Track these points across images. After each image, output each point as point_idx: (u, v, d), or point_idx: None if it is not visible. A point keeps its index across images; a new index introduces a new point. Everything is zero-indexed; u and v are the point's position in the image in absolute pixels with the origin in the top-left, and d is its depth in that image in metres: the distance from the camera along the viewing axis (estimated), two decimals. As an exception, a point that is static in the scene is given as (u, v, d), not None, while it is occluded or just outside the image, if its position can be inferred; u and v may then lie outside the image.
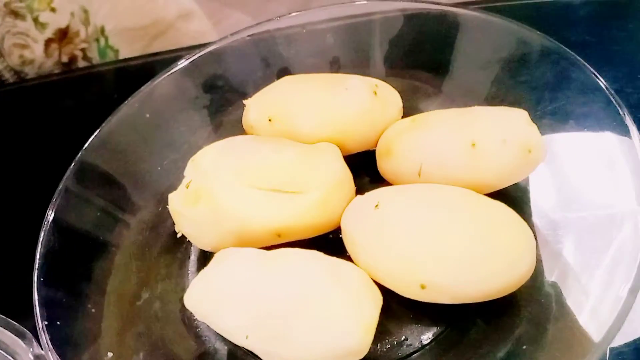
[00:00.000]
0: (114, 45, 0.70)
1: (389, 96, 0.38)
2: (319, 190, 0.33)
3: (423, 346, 0.31)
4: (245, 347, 0.30)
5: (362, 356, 0.29)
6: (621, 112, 0.32)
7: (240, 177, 0.33)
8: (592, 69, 0.34)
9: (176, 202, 0.35)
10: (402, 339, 0.32)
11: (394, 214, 0.31)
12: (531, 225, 0.32)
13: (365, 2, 0.42)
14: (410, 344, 0.31)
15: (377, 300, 0.30)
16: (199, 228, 0.35)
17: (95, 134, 0.39)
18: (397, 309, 0.32)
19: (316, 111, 0.37)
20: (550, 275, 0.32)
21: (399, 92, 0.39)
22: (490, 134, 0.33)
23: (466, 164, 0.33)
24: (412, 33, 0.42)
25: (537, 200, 0.35)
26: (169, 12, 0.73)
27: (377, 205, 0.31)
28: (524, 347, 0.29)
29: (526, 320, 0.31)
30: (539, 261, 0.31)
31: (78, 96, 0.56)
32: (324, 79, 0.39)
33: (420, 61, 0.42)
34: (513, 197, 0.35)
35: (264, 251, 0.31)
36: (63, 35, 0.64)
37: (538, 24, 0.37)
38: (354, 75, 0.39)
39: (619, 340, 0.32)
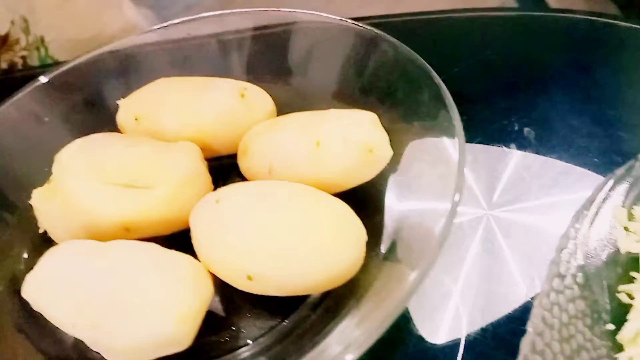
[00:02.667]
0: (54, 55, 0.71)
1: (257, 100, 0.39)
2: (168, 186, 0.34)
3: (256, 338, 0.32)
4: (75, 336, 0.30)
5: (183, 346, 0.29)
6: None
7: (92, 172, 0.34)
8: (437, 78, 0.34)
9: (36, 198, 0.35)
10: (239, 331, 0.32)
11: (230, 208, 0.32)
12: (380, 223, 0.33)
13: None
14: (246, 336, 0.32)
15: (205, 291, 0.30)
16: (53, 223, 0.35)
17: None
18: (240, 302, 0.33)
19: (181, 111, 0.38)
20: (391, 271, 0.32)
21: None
22: (333, 134, 0.34)
23: (311, 163, 0.34)
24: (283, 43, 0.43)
25: (390, 200, 0.36)
26: (113, 25, 0.74)
27: (217, 200, 0.32)
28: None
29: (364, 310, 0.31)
30: (385, 257, 0.32)
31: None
32: (196, 81, 0.40)
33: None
34: (369, 195, 0.36)
35: (101, 242, 0.31)
36: (2, 42, 0.65)
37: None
38: (228, 79, 0.40)
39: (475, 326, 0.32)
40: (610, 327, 0.29)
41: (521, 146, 0.40)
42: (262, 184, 0.33)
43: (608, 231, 0.31)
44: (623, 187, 0.32)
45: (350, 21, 0.40)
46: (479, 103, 0.43)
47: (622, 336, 0.28)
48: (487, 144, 0.40)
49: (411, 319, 0.33)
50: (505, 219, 0.36)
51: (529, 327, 0.27)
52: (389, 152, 0.34)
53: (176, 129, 0.38)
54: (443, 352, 0.31)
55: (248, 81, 0.40)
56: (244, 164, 0.37)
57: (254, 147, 0.36)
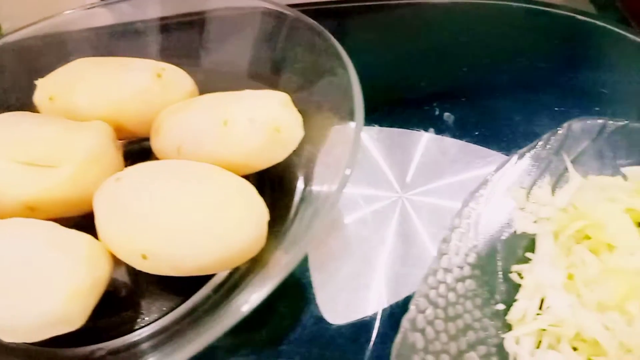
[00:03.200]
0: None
1: (176, 80, 0.39)
2: (72, 165, 0.33)
3: (156, 319, 0.31)
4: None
5: (75, 325, 0.29)
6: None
7: (-1, 150, 0.33)
8: (348, 63, 0.34)
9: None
10: (139, 312, 0.32)
11: (129, 187, 0.31)
12: (288, 204, 0.33)
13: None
14: (145, 317, 0.32)
15: (99, 270, 0.30)
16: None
17: None
18: (144, 283, 0.33)
19: (94, 90, 0.37)
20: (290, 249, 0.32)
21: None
22: (240, 114, 0.33)
23: (219, 142, 0.33)
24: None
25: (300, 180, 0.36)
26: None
27: (118, 179, 0.32)
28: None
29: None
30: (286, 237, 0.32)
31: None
32: (114, 62, 0.40)
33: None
34: (282, 176, 0.36)
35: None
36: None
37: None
38: (146, 59, 0.40)
39: (391, 300, 0.32)
40: (501, 307, 0.29)
41: (439, 130, 0.40)
42: (165, 163, 0.33)
43: (506, 211, 0.31)
44: (523, 167, 0.32)
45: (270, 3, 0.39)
46: (404, 88, 0.43)
47: (511, 316, 0.28)
48: (408, 129, 0.40)
49: (314, 300, 0.33)
50: (417, 201, 0.36)
51: (412, 305, 0.27)
52: (298, 133, 0.34)
53: (89, 108, 0.37)
54: (340, 331, 0.31)
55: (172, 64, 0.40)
56: (155, 144, 0.36)
57: (164, 126, 0.36)
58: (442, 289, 0.28)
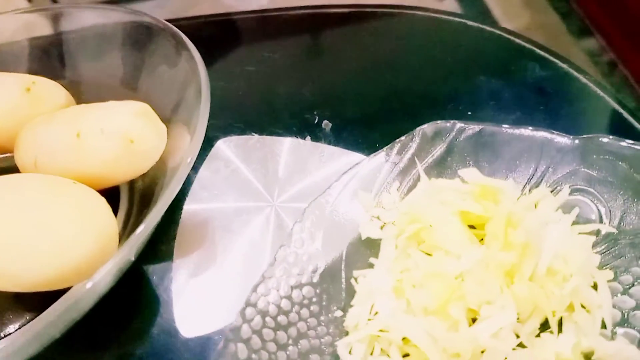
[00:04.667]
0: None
1: (46, 93, 0.38)
2: None
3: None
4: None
5: None
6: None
7: None
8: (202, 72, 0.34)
9: None
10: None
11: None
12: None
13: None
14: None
15: None
16: None
17: None
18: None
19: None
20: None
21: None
22: (92, 125, 0.33)
23: (73, 155, 0.33)
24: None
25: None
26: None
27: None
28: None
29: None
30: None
31: None
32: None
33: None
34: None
35: None
36: None
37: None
38: (15, 73, 0.39)
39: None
40: (339, 314, 0.28)
41: (316, 137, 0.39)
42: (12, 177, 0.32)
43: (353, 216, 0.31)
44: (372, 172, 0.32)
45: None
46: (286, 96, 0.43)
47: (347, 323, 0.28)
48: (287, 136, 0.40)
49: (170, 313, 0.32)
50: (289, 207, 0.36)
51: (238, 314, 0.27)
52: (156, 144, 0.34)
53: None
54: (189, 345, 0.31)
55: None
56: (16, 158, 0.36)
57: (23, 140, 0.35)
58: (273, 296, 0.27)
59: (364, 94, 0.42)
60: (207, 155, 0.40)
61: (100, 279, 0.26)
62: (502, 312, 0.25)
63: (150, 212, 0.28)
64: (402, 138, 0.33)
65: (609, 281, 0.28)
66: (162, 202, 0.29)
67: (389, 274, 0.28)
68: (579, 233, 0.28)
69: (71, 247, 0.29)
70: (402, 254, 0.29)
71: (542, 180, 0.31)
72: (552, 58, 0.42)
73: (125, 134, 0.33)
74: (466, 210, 0.28)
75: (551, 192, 0.31)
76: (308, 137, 0.40)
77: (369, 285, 0.28)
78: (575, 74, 0.41)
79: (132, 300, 0.33)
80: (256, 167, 0.39)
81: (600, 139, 0.31)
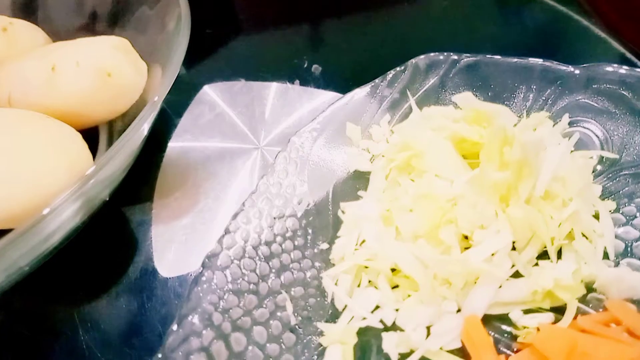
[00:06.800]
0: None
1: (24, 34, 0.37)
2: None
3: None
4: None
5: None
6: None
7: None
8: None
9: None
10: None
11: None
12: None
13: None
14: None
15: None
16: None
17: None
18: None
19: None
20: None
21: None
22: (68, 58, 0.31)
23: (47, 89, 0.31)
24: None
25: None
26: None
27: None
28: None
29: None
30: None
31: None
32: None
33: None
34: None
35: None
36: None
37: None
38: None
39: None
40: (325, 246, 0.27)
41: (305, 82, 0.38)
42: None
43: (341, 148, 0.29)
44: (361, 105, 0.30)
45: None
46: (278, 42, 0.41)
47: (333, 255, 0.26)
48: (275, 81, 0.38)
49: (150, 252, 0.31)
50: (276, 150, 0.34)
51: (217, 242, 0.25)
52: (134, 79, 0.32)
53: None
54: (167, 284, 0.29)
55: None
56: (-8, 97, 0.34)
57: (-2, 77, 0.33)
58: (254, 225, 0.26)
59: (356, 39, 0.41)
60: (192, 101, 0.38)
61: (59, 207, 0.24)
62: (497, 236, 0.23)
63: (114, 145, 0.27)
64: (394, 70, 0.31)
65: (611, 212, 0.26)
66: (128, 134, 0.27)
67: (378, 204, 0.26)
68: (580, 158, 0.27)
69: (44, 178, 0.27)
70: (391, 184, 0.27)
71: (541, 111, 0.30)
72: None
73: (102, 67, 0.31)
74: (459, 135, 0.26)
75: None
76: (297, 82, 0.38)
77: (353, 214, 0.26)
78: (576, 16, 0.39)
79: (111, 241, 0.32)
80: (242, 111, 0.37)
81: (602, 67, 0.29)
